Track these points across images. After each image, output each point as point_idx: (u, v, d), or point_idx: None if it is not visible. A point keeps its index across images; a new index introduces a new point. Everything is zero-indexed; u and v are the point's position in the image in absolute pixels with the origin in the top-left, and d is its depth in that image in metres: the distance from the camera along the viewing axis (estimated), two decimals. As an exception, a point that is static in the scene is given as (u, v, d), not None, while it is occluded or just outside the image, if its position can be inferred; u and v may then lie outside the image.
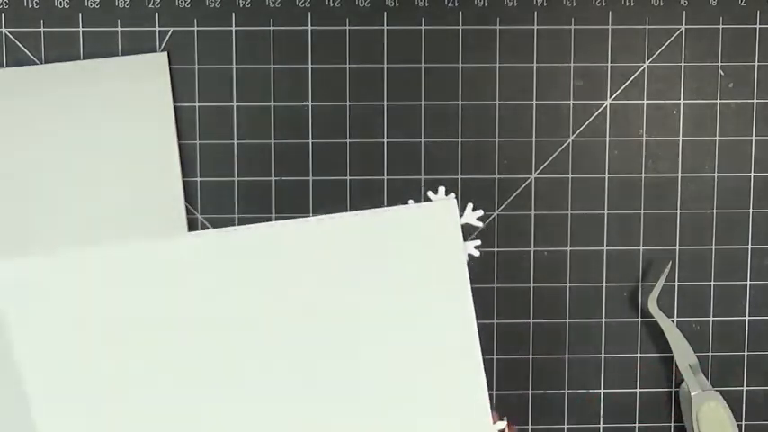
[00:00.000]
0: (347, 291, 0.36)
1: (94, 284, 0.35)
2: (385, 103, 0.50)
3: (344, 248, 0.36)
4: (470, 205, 0.36)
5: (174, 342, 0.36)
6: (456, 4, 0.50)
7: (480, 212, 0.35)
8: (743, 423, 0.52)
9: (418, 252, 0.35)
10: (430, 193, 0.35)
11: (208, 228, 0.50)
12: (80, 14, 0.49)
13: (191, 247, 0.35)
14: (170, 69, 0.49)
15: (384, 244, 0.35)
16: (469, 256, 0.35)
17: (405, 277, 0.36)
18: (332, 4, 0.49)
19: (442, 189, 0.35)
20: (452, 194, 0.35)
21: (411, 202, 0.35)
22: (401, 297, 0.36)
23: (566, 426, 0.51)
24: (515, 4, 0.50)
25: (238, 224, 0.50)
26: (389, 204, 0.50)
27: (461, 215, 0.35)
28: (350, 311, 0.36)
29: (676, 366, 0.51)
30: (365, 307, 0.36)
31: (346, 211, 0.50)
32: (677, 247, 0.51)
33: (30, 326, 0.35)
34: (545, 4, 0.50)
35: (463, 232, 0.35)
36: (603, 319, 0.51)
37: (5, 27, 0.49)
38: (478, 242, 0.35)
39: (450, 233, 0.35)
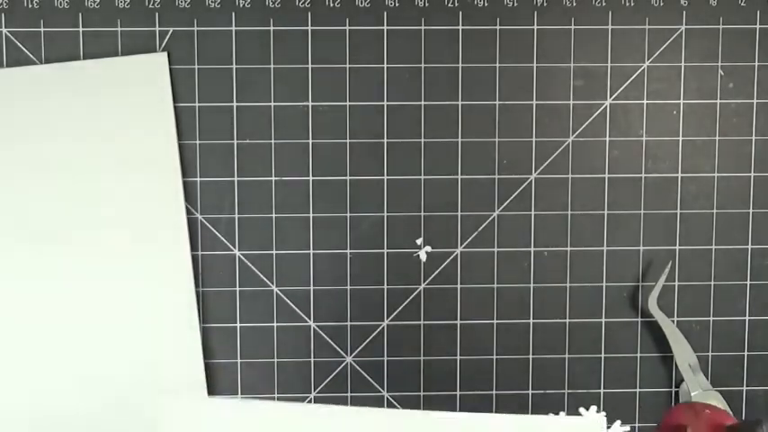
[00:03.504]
0: None
1: None
2: (385, 103, 0.50)
3: None
4: (618, 422, 0.36)
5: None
6: (456, 4, 0.50)
7: (627, 428, 0.35)
8: (743, 423, 0.52)
9: None
10: (582, 410, 0.36)
11: (208, 228, 0.50)
12: (80, 14, 0.49)
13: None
14: (170, 69, 0.49)
15: None
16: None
17: None
18: (332, 4, 0.49)
19: (593, 408, 0.36)
20: (603, 413, 0.35)
21: (562, 413, 0.35)
22: None
23: (566, 426, 0.51)
24: (515, 4, 0.50)
25: (238, 224, 0.50)
26: (390, 204, 0.50)
27: (608, 427, 0.35)
28: None
29: (676, 366, 0.51)
30: None
31: (345, 212, 0.50)
32: (677, 247, 0.51)
33: None
34: (545, 4, 0.50)
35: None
36: (603, 319, 0.51)
37: (5, 27, 0.49)
38: (627, 428, 0.35)
39: None
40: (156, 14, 0.49)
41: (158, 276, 0.49)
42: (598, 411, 0.35)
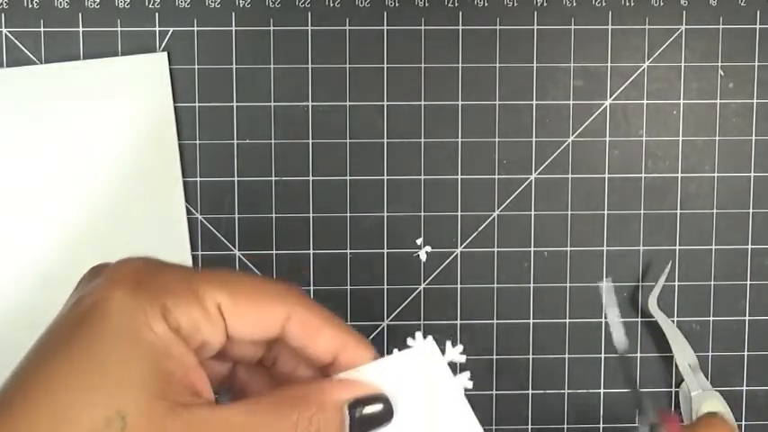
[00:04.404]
0: None
1: None
2: (385, 103, 0.50)
3: None
4: (449, 342, 0.34)
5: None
6: (456, 4, 0.50)
7: (461, 347, 0.34)
8: (743, 423, 0.52)
9: (416, 401, 0.33)
10: (409, 340, 0.34)
11: (208, 228, 0.50)
12: (80, 14, 0.49)
13: None
14: (170, 69, 0.49)
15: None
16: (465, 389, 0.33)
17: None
18: (332, 4, 0.49)
19: (418, 334, 0.34)
20: (430, 337, 0.34)
21: (395, 350, 0.34)
22: None
23: (566, 426, 0.51)
24: (515, 4, 0.50)
25: (238, 224, 0.50)
26: (390, 204, 0.50)
27: (443, 353, 0.34)
28: None
29: (676, 366, 0.51)
30: None
31: (346, 212, 0.50)
32: (677, 247, 0.51)
33: None
34: (545, 4, 0.50)
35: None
36: (603, 320, 0.51)
37: (5, 27, 0.49)
38: (468, 373, 0.34)
39: (440, 375, 0.34)
40: (156, 14, 0.49)
41: (158, 276, 0.49)
42: (429, 338, 0.34)
